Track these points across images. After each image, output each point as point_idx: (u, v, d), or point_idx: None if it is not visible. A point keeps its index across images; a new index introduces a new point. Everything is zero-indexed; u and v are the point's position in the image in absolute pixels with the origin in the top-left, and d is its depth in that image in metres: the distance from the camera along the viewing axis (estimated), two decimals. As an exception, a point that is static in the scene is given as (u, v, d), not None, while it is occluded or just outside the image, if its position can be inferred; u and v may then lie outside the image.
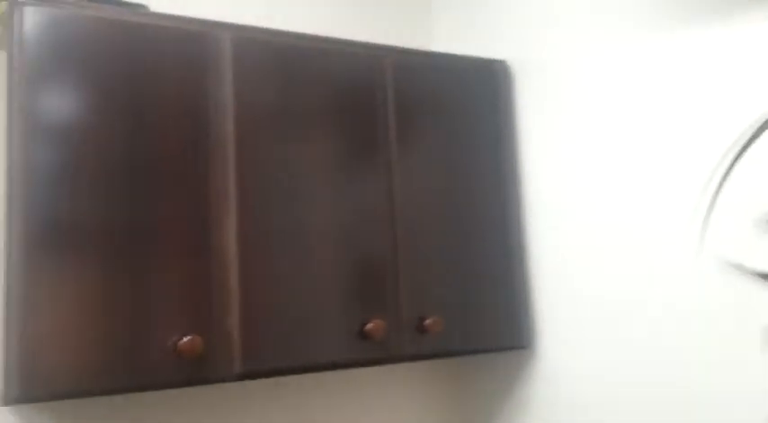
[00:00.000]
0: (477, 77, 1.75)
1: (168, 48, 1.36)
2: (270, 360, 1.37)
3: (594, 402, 1.59)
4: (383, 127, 1.58)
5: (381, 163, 1.57)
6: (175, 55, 1.36)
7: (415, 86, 1.64)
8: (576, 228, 1.64)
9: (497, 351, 1.69)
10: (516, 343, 1.69)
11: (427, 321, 1.55)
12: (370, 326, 1.48)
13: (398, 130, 1.60)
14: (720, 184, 1.39)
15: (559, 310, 1.67)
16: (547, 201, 1.71)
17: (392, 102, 1.60)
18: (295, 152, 1.46)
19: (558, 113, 1.70)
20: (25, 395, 1.17)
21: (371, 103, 1.57)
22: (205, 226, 1.34)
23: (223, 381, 1.32)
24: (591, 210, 1.61)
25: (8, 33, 1.24)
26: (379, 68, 1.59)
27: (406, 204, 1.59)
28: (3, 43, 1.29)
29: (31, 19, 1.24)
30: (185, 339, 1.27)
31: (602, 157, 1.59)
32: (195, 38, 1.39)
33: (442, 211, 1.64)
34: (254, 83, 1.43)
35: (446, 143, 1.67)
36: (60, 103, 1.25)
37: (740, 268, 1.34)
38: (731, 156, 1.37)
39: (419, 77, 1.65)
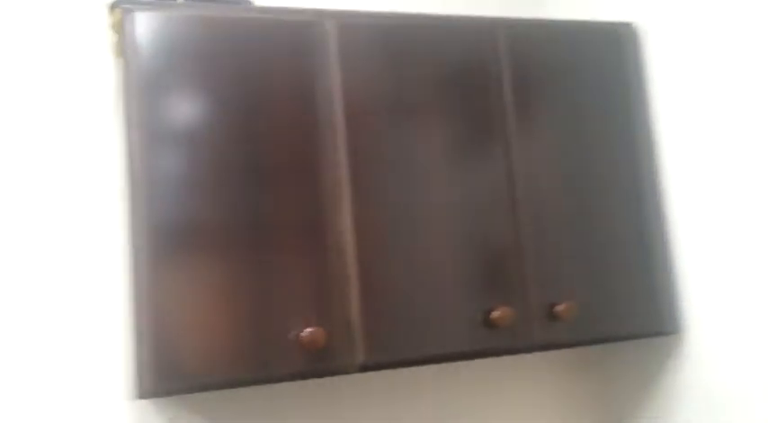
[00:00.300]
0: (601, 44, 1.62)
1: (275, 41, 1.35)
2: (392, 351, 1.34)
3: (754, 391, 1.42)
4: (499, 104, 1.50)
5: (500, 142, 1.49)
6: (282, 47, 1.36)
7: (532, 59, 1.54)
8: (725, 203, 1.48)
9: (639, 338, 1.56)
10: (661, 328, 1.55)
11: (558, 308, 1.45)
12: (496, 314, 1.40)
13: (516, 106, 1.52)
14: None
15: (711, 291, 1.51)
16: (689, 176, 1.56)
17: (508, 77, 1.52)
18: (408, 136, 1.42)
19: (696, 81, 1.53)
20: (158, 389, 1.20)
21: (486, 80, 1.50)
22: (321, 217, 1.33)
23: (346, 372, 1.30)
24: (741, 184, 1.44)
25: (122, 41, 1.28)
26: (492, 42, 1.51)
27: (528, 184, 1.50)
28: (120, 51, 1.33)
29: (142, 24, 1.28)
30: (307, 331, 1.27)
31: (753, 126, 1.42)
32: (300, 28, 1.37)
33: (568, 190, 1.53)
34: (361, 68, 1.40)
35: (570, 118, 1.56)
36: (175, 106, 1.28)
37: None
38: None
39: (535, 49, 1.55)
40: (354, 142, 1.38)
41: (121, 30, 1.29)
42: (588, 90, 1.58)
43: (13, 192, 1.43)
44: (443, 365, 1.68)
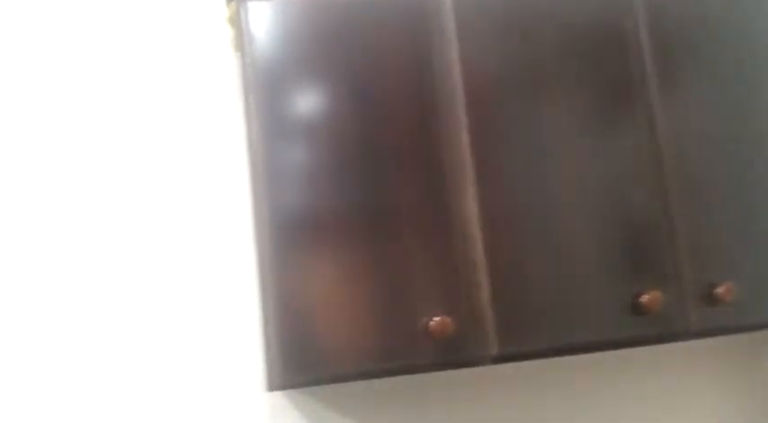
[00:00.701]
0: (758, -11, 1.43)
1: (387, 18, 1.30)
2: (529, 340, 1.25)
3: None
4: (638, 68, 1.36)
5: (641, 110, 1.35)
6: (397, 26, 1.30)
7: (674, 14, 1.39)
8: None
9: (817, 321, 1.37)
10: None
11: (718, 290, 1.30)
12: (645, 298, 1.28)
13: (658, 67, 1.37)
14: None
15: None
16: None
17: (645, 36, 1.37)
18: (535, 110, 1.32)
19: None
20: (287, 382, 1.20)
21: (620, 42, 1.36)
22: (444, 201, 1.26)
23: (478, 364, 1.24)
24: None
25: (239, 33, 1.28)
26: (626, -1, 1.38)
27: (676, 154, 1.35)
28: (237, 44, 1.34)
29: (256, 14, 1.27)
30: (435, 320, 1.21)
31: None
32: (414, 2, 1.31)
33: (723, 158, 1.36)
34: (480, 40, 1.32)
35: (723, 78, 1.39)
36: (293, 95, 1.26)
37: None
38: None
39: (677, 1, 1.39)
40: (476, 120, 1.30)
41: (237, 22, 1.29)
42: (745, 45, 1.40)
43: (142, 187, 1.48)
44: (584, 355, 1.56)
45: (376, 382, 1.49)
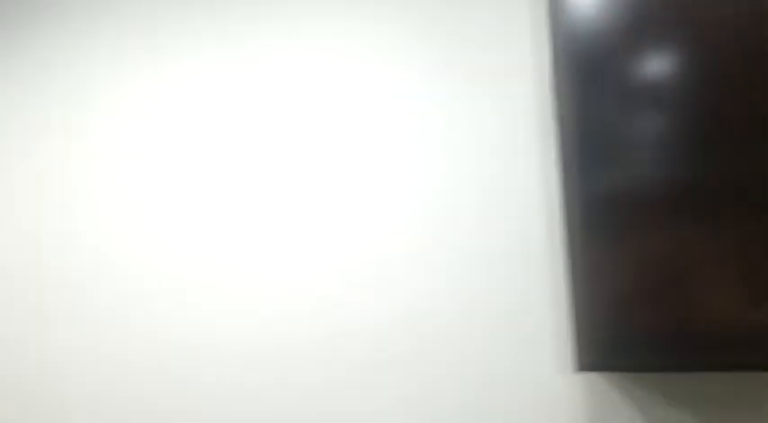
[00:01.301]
0: None
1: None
2: None
3: None
4: None
5: None
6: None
7: None
8: None
9: None
10: None
11: None
12: None
13: None
14: None
15: None
16: None
17: None
18: None
19: None
20: (595, 364, 1.18)
21: None
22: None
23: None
24: None
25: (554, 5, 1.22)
26: None
27: None
28: (550, 16, 1.27)
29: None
30: (758, 313, 1.10)
31: None
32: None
33: None
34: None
35: None
36: (614, 68, 1.18)
37: None
38: None
39: None
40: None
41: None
42: None
43: (448, 170, 1.54)
44: None
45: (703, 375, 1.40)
